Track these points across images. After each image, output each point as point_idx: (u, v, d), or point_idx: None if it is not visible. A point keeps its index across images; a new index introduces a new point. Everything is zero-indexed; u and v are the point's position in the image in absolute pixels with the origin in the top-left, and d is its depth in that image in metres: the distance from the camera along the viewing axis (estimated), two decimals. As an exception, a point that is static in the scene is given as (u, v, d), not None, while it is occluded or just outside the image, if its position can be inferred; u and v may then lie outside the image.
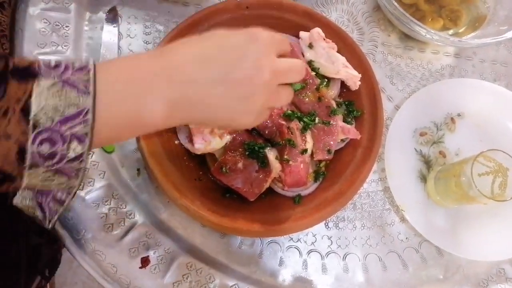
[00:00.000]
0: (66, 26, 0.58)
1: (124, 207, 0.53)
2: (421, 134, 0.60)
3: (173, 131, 0.52)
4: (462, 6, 0.65)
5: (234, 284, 0.52)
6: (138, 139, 0.49)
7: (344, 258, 0.55)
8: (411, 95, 0.61)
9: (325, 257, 0.54)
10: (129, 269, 0.50)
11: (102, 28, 0.59)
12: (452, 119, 0.61)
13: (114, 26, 0.59)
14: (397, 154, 0.58)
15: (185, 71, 0.34)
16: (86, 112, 0.29)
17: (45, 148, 0.29)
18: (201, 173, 0.52)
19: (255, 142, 0.50)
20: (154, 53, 0.37)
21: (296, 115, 0.51)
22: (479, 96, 0.62)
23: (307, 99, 0.53)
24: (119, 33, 0.59)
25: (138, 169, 0.55)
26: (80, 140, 0.30)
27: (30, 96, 0.28)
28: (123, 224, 0.52)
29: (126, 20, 0.60)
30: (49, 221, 0.33)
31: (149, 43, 0.60)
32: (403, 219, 0.57)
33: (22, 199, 0.32)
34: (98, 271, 0.49)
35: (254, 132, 0.51)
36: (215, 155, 0.52)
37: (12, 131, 0.28)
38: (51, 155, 0.29)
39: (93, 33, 0.59)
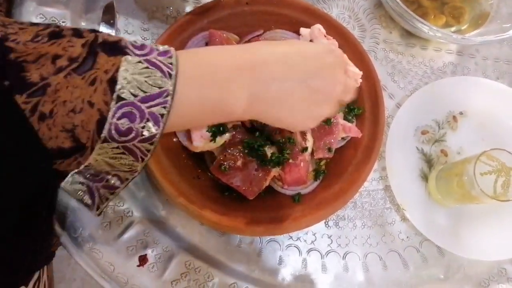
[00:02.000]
0: (63, 22, 0.57)
1: (121, 205, 0.52)
2: (423, 133, 0.60)
3: (171, 128, 0.51)
4: (465, 3, 0.64)
5: (233, 283, 0.51)
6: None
7: (344, 257, 0.54)
8: (413, 93, 0.60)
9: (325, 256, 0.54)
10: (126, 268, 0.50)
11: (99, 24, 0.58)
12: (454, 117, 0.61)
13: (111, 22, 0.58)
14: (398, 153, 0.57)
15: (269, 69, 0.36)
16: (167, 94, 0.30)
17: (124, 123, 0.29)
18: (199, 171, 0.51)
19: (254, 140, 0.50)
20: (237, 46, 0.39)
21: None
22: (481, 94, 0.61)
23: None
24: (117, 29, 0.58)
25: (136, 167, 0.54)
26: (156, 120, 0.30)
27: (117, 69, 0.29)
28: (120, 222, 0.51)
29: (124, 16, 0.59)
30: (97, 208, 0.34)
31: (147, 39, 0.59)
32: (403, 218, 0.56)
33: (72, 182, 0.32)
34: (96, 269, 0.49)
35: (253, 130, 0.51)
36: (214, 153, 0.51)
37: (96, 100, 0.28)
38: (128, 131, 0.30)
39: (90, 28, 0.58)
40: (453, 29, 0.63)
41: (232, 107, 0.35)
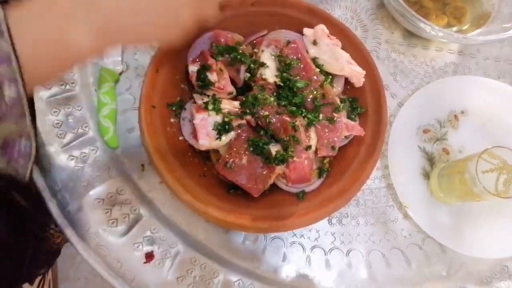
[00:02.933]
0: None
1: (128, 202, 0.53)
2: (425, 131, 0.60)
3: (177, 127, 0.52)
4: (467, 3, 0.65)
5: (237, 280, 0.52)
6: (143, 135, 0.49)
7: (348, 254, 0.55)
8: (415, 92, 0.61)
9: (329, 253, 0.55)
10: (133, 264, 0.50)
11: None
12: (455, 116, 0.61)
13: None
14: (401, 151, 0.58)
15: None
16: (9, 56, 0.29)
17: None
18: (205, 169, 0.52)
19: (259, 138, 0.50)
20: None
21: (300, 111, 0.52)
22: (482, 94, 0.62)
23: (311, 95, 0.53)
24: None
25: (143, 165, 0.55)
26: (11, 81, 0.30)
27: None
28: (127, 219, 0.52)
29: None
30: (24, 176, 0.34)
31: (153, 40, 0.60)
32: (406, 216, 0.57)
33: None
34: (103, 266, 0.50)
35: (258, 128, 0.51)
36: (219, 151, 0.52)
37: None
38: None
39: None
40: (454, 29, 0.64)
41: (78, 48, 0.33)
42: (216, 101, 0.50)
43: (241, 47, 0.55)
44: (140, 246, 0.51)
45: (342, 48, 0.56)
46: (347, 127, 0.52)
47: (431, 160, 0.59)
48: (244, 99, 0.51)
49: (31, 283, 0.83)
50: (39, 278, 0.79)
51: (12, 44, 0.30)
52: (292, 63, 0.53)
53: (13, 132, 0.32)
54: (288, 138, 0.50)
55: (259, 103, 0.50)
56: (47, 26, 0.32)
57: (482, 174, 0.50)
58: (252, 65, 0.54)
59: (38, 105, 0.54)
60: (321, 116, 0.52)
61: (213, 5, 0.42)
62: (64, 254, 0.71)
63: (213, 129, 0.49)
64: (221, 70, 0.53)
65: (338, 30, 0.56)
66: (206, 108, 0.50)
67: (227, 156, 0.50)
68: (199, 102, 0.51)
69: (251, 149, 0.50)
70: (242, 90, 0.54)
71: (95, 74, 0.57)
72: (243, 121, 0.51)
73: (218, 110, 0.50)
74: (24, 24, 0.31)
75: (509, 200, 0.49)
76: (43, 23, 0.32)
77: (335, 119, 0.52)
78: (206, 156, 0.53)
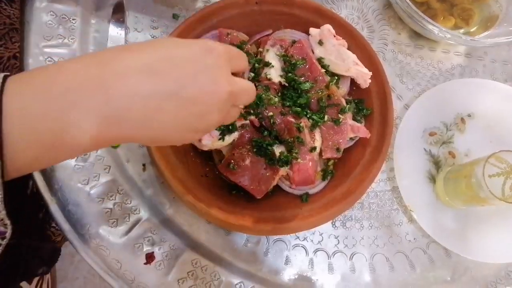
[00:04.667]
0: (73, 19, 0.57)
1: (129, 202, 0.52)
2: (431, 134, 0.59)
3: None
4: (474, 5, 0.64)
5: (239, 282, 0.51)
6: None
7: (351, 257, 0.54)
8: (421, 95, 0.60)
9: (332, 257, 0.54)
10: (133, 265, 0.50)
11: (109, 22, 0.58)
12: (462, 119, 0.61)
13: (121, 20, 0.58)
14: (406, 154, 0.57)
15: (128, 82, 0.29)
16: None
17: None
18: (207, 169, 0.51)
19: (263, 139, 0.50)
20: (90, 59, 0.30)
21: (305, 112, 0.51)
22: (489, 97, 0.61)
23: (316, 96, 0.52)
24: (126, 27, 0.58)
25: (144, 164, 0.54)
26: None
27: None
28: (128, 220, 0.51)
29: (133, 14, 0.59)
30: None
31: (156, 37, 0.59)
32: (411, 220, 0.56)
33: None
34: (102, 266, 0.49)
35: (262, 129, 0.51)
36: (222, 152, 0.51)
37: None
38: None
39: (100, 26, 0.58)
40: (462, 31, 0.63)
41: (75, 139, 0.28)
42: (219, 100, 0.50)
43: (246, 46, 0.54)
44: (141, 247, 0.50)
45: (348, 49, 0.55)
46: (353, 128, 0.52)
47: (437, 163, 0.58)
48: (248, 99, 0.50)
49: (30, 282, 0.82)
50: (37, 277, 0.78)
51: (0, 119, 0.25)
52: (298, 63, 0.53)
53: None
54: (292, 139, 0.49)
55: (263, 103, 0.50)
56: (43, 106, 0.27)
57: (489, 178, 0.50)
58: (256, 65, 0.53)
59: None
60: (326, 117, 0.51)
61: (237, 115, 0.38)
62: (63, 253, 0.70)
63: (216, 129, 0.48)
64: (225, 69, 0.52)
65: (344, 30, 0.56)
66: (209, 108, 0.49)
67: (230, 156, 0.49)
68: (203, 101, 0.50)
69: (255, 150, 0.49)
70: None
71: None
72: (247, 122, 0.50)
73: (221, 110, 0.49)
74: (18, 99, 0.27)
75: (516, 205, 0.48)
76: (40, 102, 0.27)
77: (340, 120, 0.51)
78: (208, 156, 0.52)
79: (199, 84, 0.31)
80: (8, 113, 0.26)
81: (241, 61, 0.37)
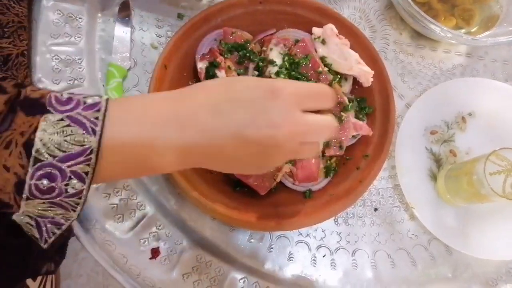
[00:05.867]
0: (79, 18, 0.58)
1: (135, 198, 0.53)
2: (432, 133, 0.60)
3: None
4: (475, 5, 0.65)
5: (243, 277, 0.52)
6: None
7: (353, 254, 0.55)
8: (422, 94, 0.61)
9: (334, 253, 0.54)
10: (139, 260, 0.50)
11: (115, 21, 0.59)
12: (463, 118, 0.61)
13: (127, 19, 0.59)
14: (408, 152, 0.58)
15: (198, 121, 0.33)
16: (91, 151, 0.29)
17: (44, 183, 0.29)
18: (212, 166, 0.52)
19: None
20: (173, 95, 0.35)
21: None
22: (490, 96, 0.62)
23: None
24: (132, 26, 0.59)
25: (149, 161, 0.55)
26: (81, 178, 0.29)
27: (35, 131, 0.28)
28: (133, 215, 0.52)
29: (139, 13, 0.60)
30: (45, 241, 0.33)
31: (161, 37, 0.60)
32: (412, 217, 0.57)
33: (22, 217, 0.31)
34: (108, 261, 0.50)
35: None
36: (227, 149, 0.52)
37: (12, 163, 0.28)
38: (50, 190, 0.29)
39: (106, 25, 0.59)
40: (463, 31, 0.64)
41: (159, 164, 0.33)
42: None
43: (250, 45, 0.55)
44: (146, 242, 0.51)
45: (351, 48, 0.55)
46: (355, 126, 0.52)
47: (438, 161, 0.59)
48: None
49: (34, 279, 0.82)
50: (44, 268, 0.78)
51: (99, 143, 0.29)
52: (301, 61, 0.53)
53: (58, 214, 0.31)
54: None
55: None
56: (136, 135, 0.31)
57: (490, 176, 0.50)
58: (260, 63, 0.54)
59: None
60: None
61: (313, 151, 0.38)
62: (67, 250, 0.71)
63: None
64: (229, 67, 0.53)
65: (347, 29, 0.57)
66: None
67: (234, 153, 0.50)
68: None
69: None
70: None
71: (103, 69, 0.57)
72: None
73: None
74: (117, 123, 0.31)
75: (516, 202, 0.49)
76: (134, 132, 0.31)
77: (343, 118, 0.52)
78: (213, 153, 0.53)
79: (257, 126, 0.32)
80: (110, 134, 0.30)
81: (317, 101, 0.36)
